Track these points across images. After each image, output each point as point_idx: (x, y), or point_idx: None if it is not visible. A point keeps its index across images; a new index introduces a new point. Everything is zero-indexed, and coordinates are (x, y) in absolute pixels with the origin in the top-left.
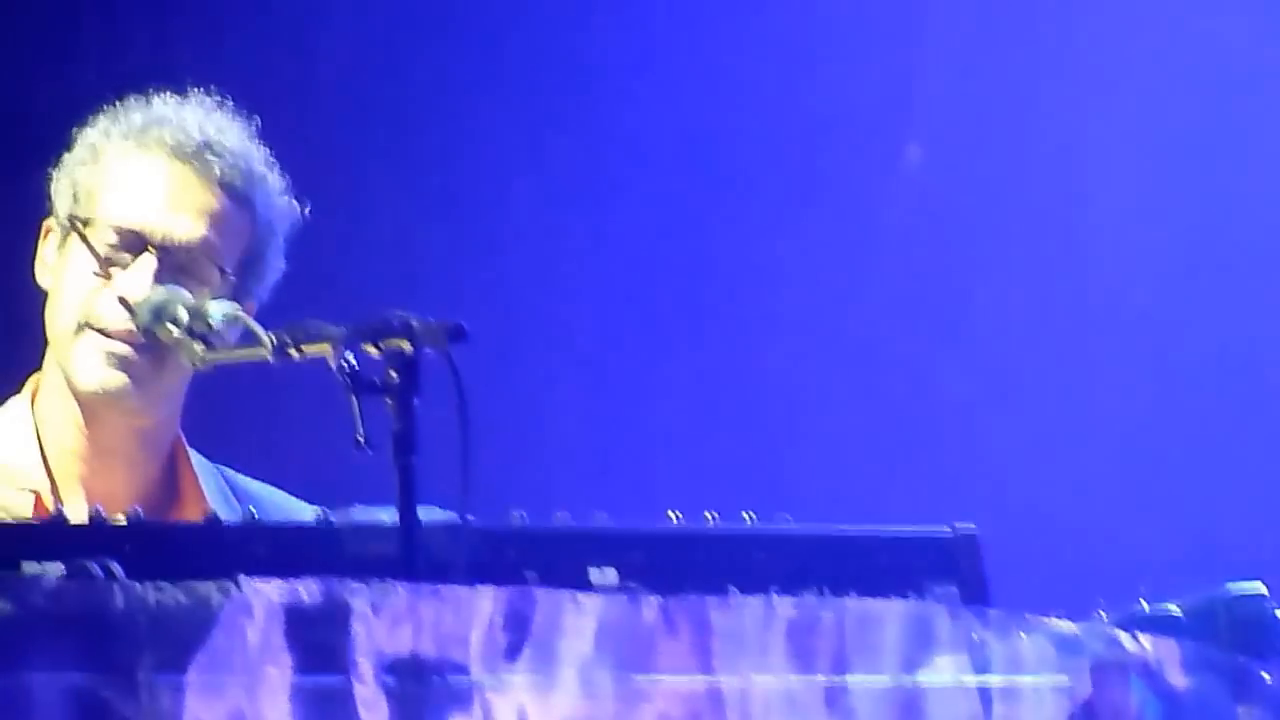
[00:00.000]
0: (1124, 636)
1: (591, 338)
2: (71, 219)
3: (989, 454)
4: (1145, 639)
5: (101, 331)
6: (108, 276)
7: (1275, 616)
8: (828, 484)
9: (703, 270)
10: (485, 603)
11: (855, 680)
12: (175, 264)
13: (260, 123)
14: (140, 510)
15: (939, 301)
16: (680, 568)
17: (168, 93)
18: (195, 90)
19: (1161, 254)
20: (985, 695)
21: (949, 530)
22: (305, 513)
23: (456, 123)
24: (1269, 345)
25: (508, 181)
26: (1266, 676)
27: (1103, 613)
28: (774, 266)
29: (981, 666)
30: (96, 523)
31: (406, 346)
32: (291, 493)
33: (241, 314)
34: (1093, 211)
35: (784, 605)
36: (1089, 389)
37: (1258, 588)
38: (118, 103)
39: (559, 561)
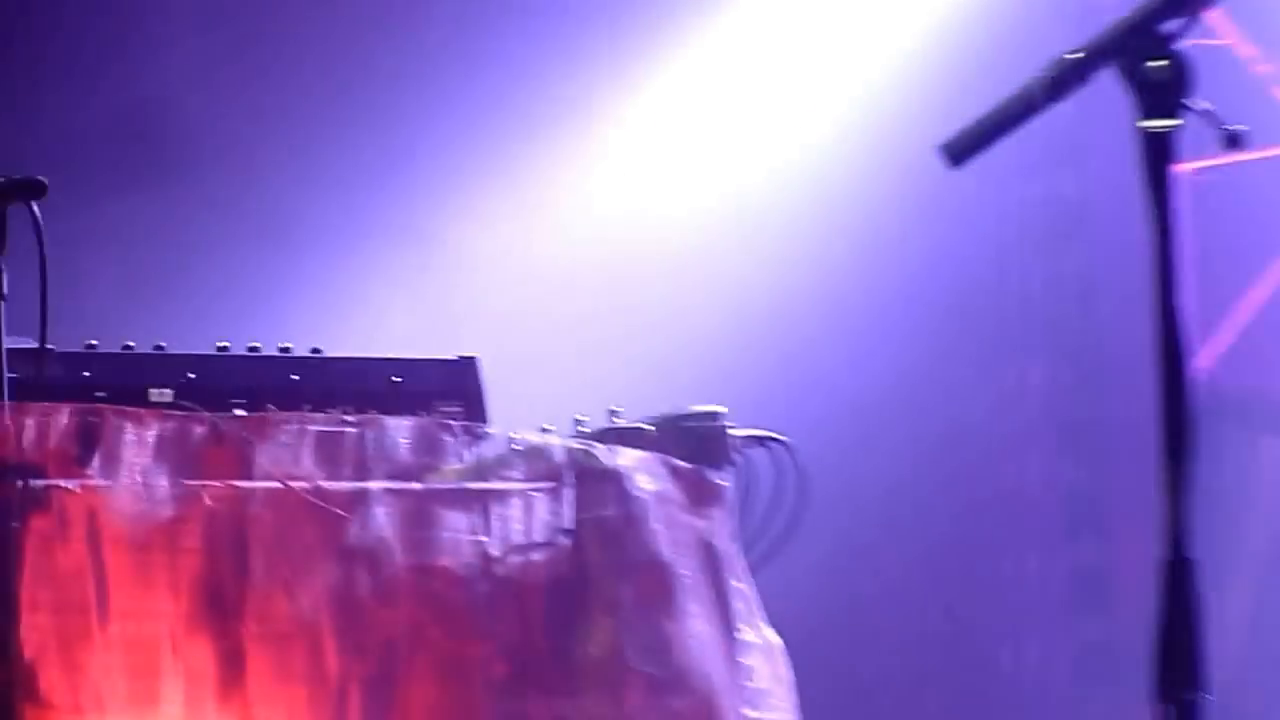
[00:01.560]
0: (601, 448)
1: None
2: None
3: (490, 289)
4: (621, 450)
5: None
6: None
7: (727, 432)
8: (354, 318)
9: None
10: (61, 417)
11: (375, 485)
12: None
13: None
14: None
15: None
16: (226, 388)
17: None
18: None
19: None
20: (484, 498)
21: (454, 357)
22: None
23: None
24: (732, 211)
25: None
26: (723, 483)
27: (583, 427)
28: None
29: (481, 474)
30: None
31: None
32: None
33: None
34: None
35: (315, 420)
36: (572, 235)
37: (716, 408)
38: None
39: (125, 382)
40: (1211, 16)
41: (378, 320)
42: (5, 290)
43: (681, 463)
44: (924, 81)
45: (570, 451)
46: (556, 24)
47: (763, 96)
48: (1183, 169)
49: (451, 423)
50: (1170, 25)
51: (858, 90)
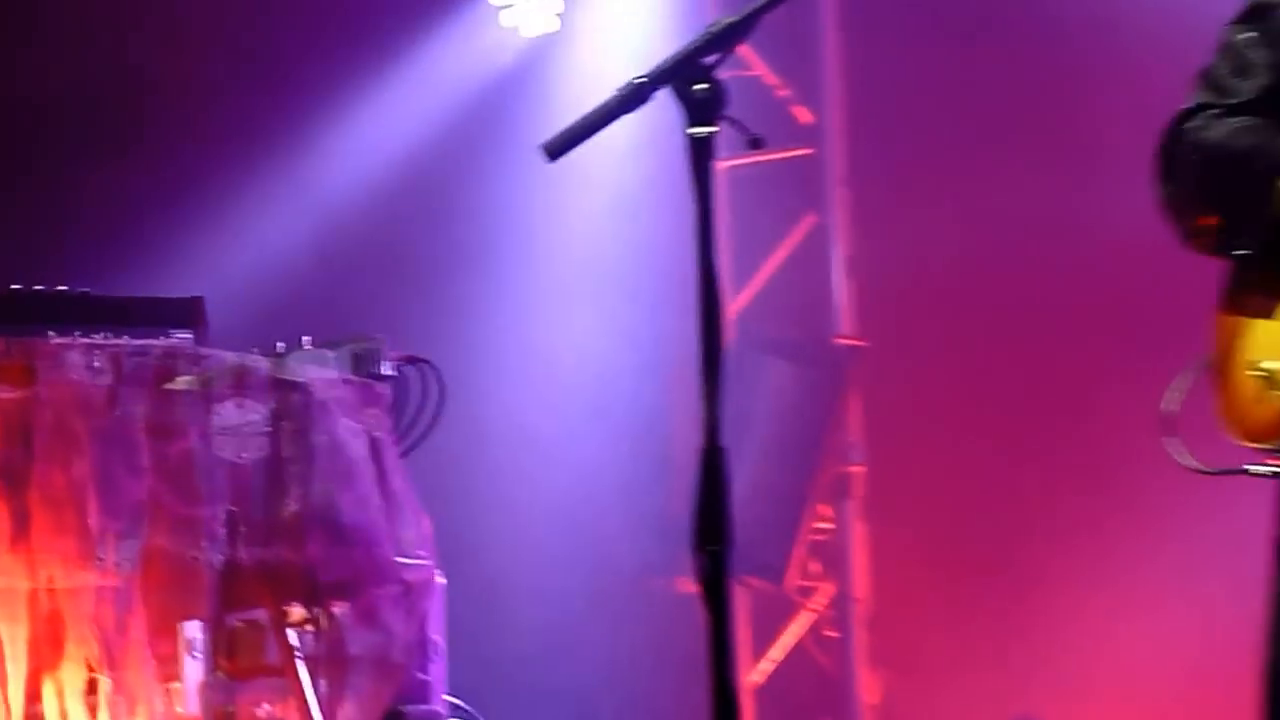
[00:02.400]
0: (293, 365)
1: None
2: None
3: (220, 236)
4: (308, 366)
5: None
6: None
7: (384, 353)
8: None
9: None
10: None
11: (127, 389)
12: None
13: None
14: None
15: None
16: (13, 317)
17: None
18: None
19: None
20: (207, 400)
21: (187, 296)
22: None
23: None
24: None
25: None
26: (382, 391)
27: (280, 351)
28: None
29: (205, 383)
30: None
31: None
32: None
33: None
34: None
35: (82, 341)
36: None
37: (376, 336)
38: None
39: None
40: (743, 51)
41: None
42: None
43: (352, 376)
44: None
45: (271, 368)
46: None
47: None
48: (721, 164)
49: (184, 345)
50: (709, 58)
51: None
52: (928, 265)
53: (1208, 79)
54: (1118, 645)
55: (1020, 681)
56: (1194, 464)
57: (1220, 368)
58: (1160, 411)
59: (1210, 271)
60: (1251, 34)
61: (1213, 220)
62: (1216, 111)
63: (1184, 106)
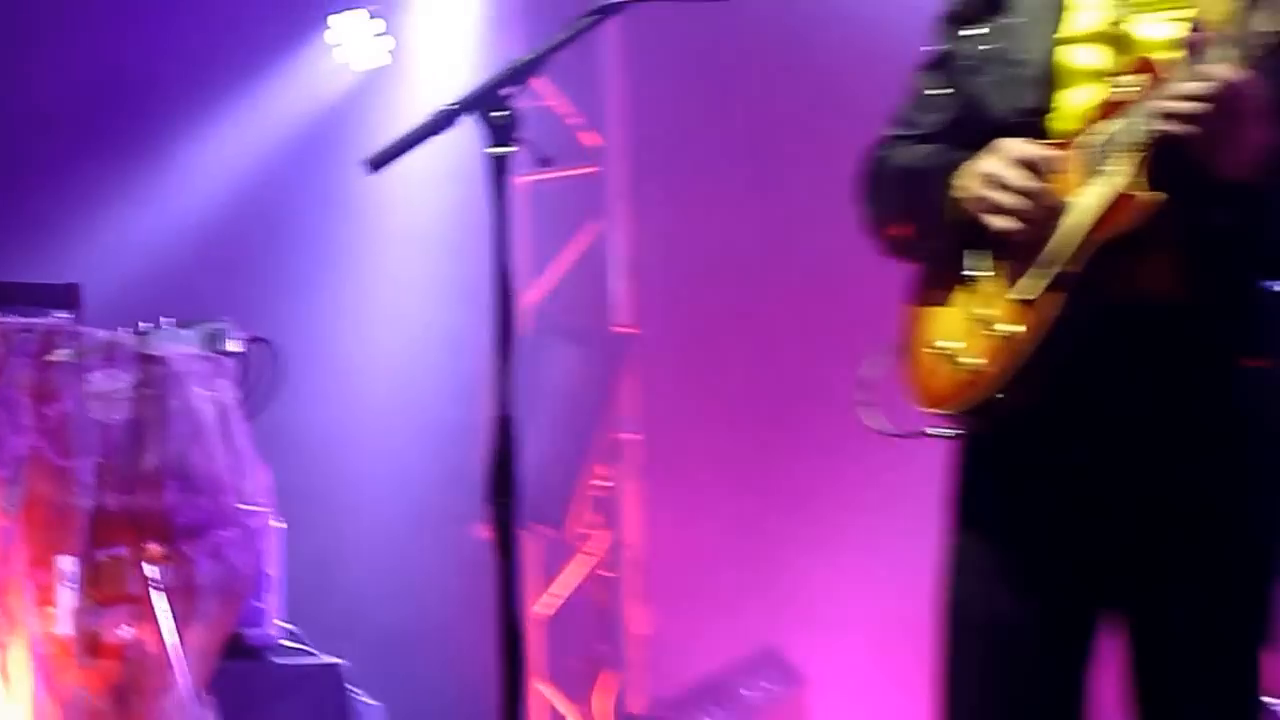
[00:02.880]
0: (154, 341)
1: None
2: None
3: (96, 233)
4: (167, 343)
5: None
6: None
7: (230, 333)
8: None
9: None
10: None
11: (15, 360)
12: None
13: None
14: None
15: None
16: None
17: None
18: None
19: None
20: (81, 369)
21: (66, 283)
22: None
23: None
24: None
25: None
26: (229, 363)
27: (144, 329)
28: None
29: (81, 355)
30: None
31: None
32: None
33: None
34: None
35: None
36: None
37: (222, 320)
38: None
39: None
40: (538, 84)
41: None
42: None
43: (203, 352)
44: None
45: (136, 344)
46: None
47: None
48: (521, 180)
49: (63, 324)
50: (507, 90)
51: None
52: (694, 264)
53: (899, 115)
54: (849, 584)
55: (769, 616)
56: (884, 427)
57: (907, 348)
58: (857, 383)
59: (901, 272)
60: (933, 78)
61: (906, 231)
62: (906, 141)
63: (880, 137)
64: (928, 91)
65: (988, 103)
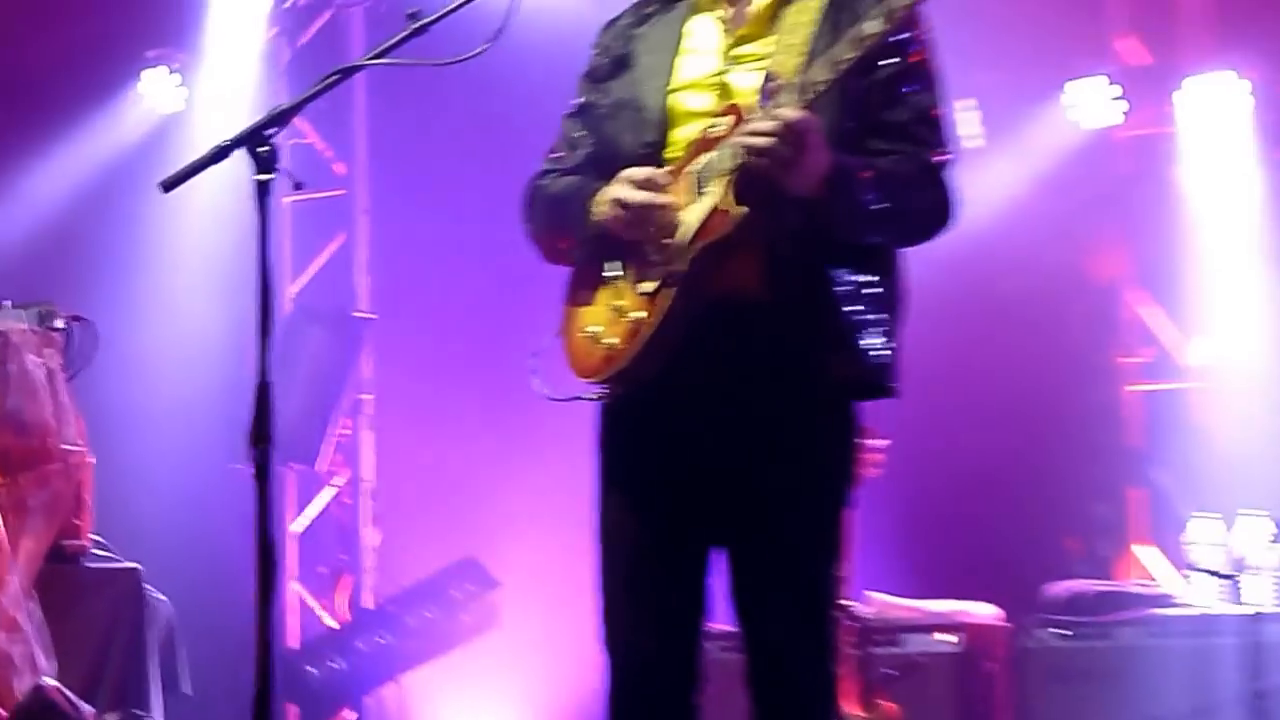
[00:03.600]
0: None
1: None
2: None
3: None
4: (9, 321)
5: None
6: None
7: (56, 313)
8: None
9: None
10: None
11: None
12: None
13: None
14: None
15: None
16: None
17: None
18: None
19: None
20: None
21: None
22: None
23: None
24: None
25: None
26: (58, 336)
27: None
28: None
29: None
30: None
31: None
32: None
33: None
34: None
35: None
36: None
37: (52, 303)
38: None
39: None
40: (298, 122)
41: None
42: None
43: (36, 327)
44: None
45: None
46: None
47: None
48: (286, 200)
49: None
50: (271, 129)
51: None
52: (419, 263)
53: (551, 153)
54: (538, 510)
55: (474, 534)
56: (549, 392)
57: (565, 332)
58: (530, 358)
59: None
60: (575, 124)
61: (561, 243)
62: (555, 174)
63: (537, 171)
64: (572, 135)
65: (618, 142)
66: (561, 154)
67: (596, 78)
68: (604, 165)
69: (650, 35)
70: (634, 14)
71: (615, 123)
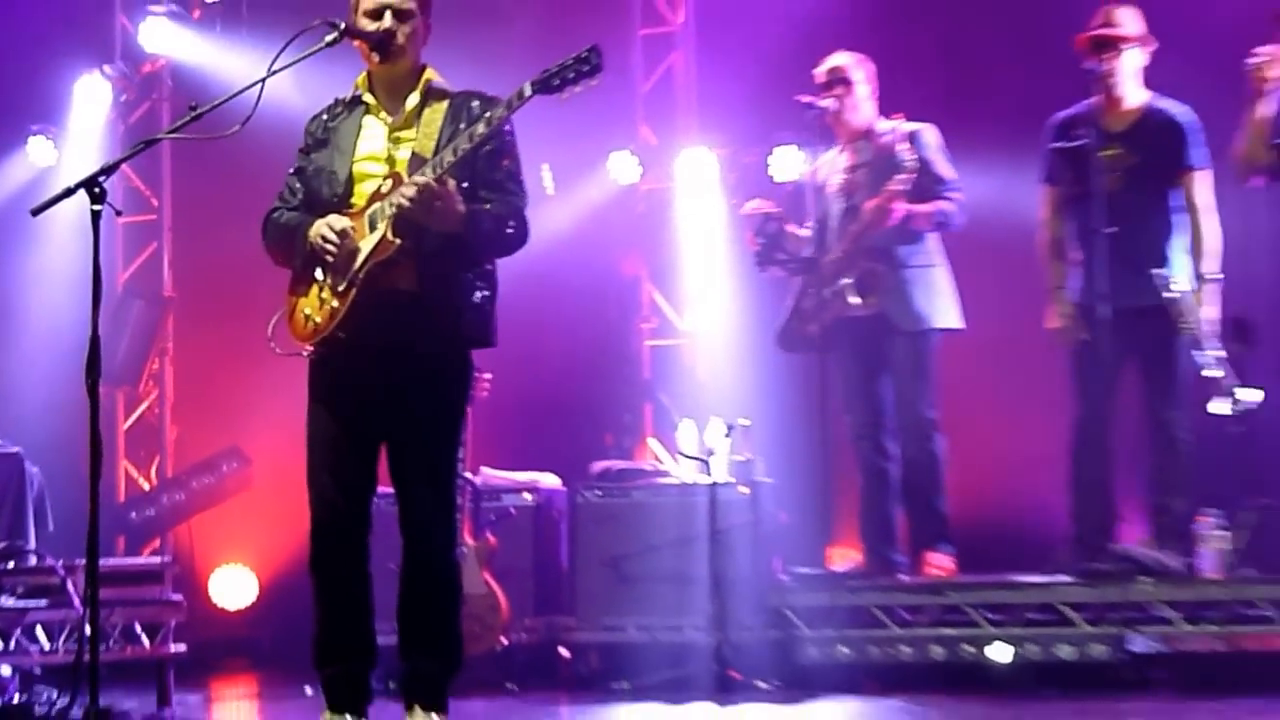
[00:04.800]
0: None
1: None
2: None
3: None
4: None
5: None
6: None
7: None
8: None
9: None
10: None
11: None
12: None
13: None
14: None
15: None
16: None
17: None
18: None
19: None
20: None
21: None
22: None
23: None
24: None
25: None
26: None
27: None
28: None
29: None
30: None
31: None
32: None
33: None
34: None
35: None
36: None
37: None
38: None
39: None
40: (126, 169)
41: None
42: None
43: None
44: None
45: None
46: None
47: None
48: (119, 221)
49: None
50: (103, 176)
51: None
52: (206, 260)
53: (280, 195)
54: (284, 414)
55: (241, 431)
56: (280, 350)
57: (288, 314)
58: (269, 330)
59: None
60: (295, 178)
61: (285, 257)
62: (283, 210)
63: (272, 206)
64: (293, 186)
65: (320, 193)
66: (287, 198)
67: (306, 151)
68: (313, 208)
69: (341, 126)
70: (329, 112)
71: (318, 180)
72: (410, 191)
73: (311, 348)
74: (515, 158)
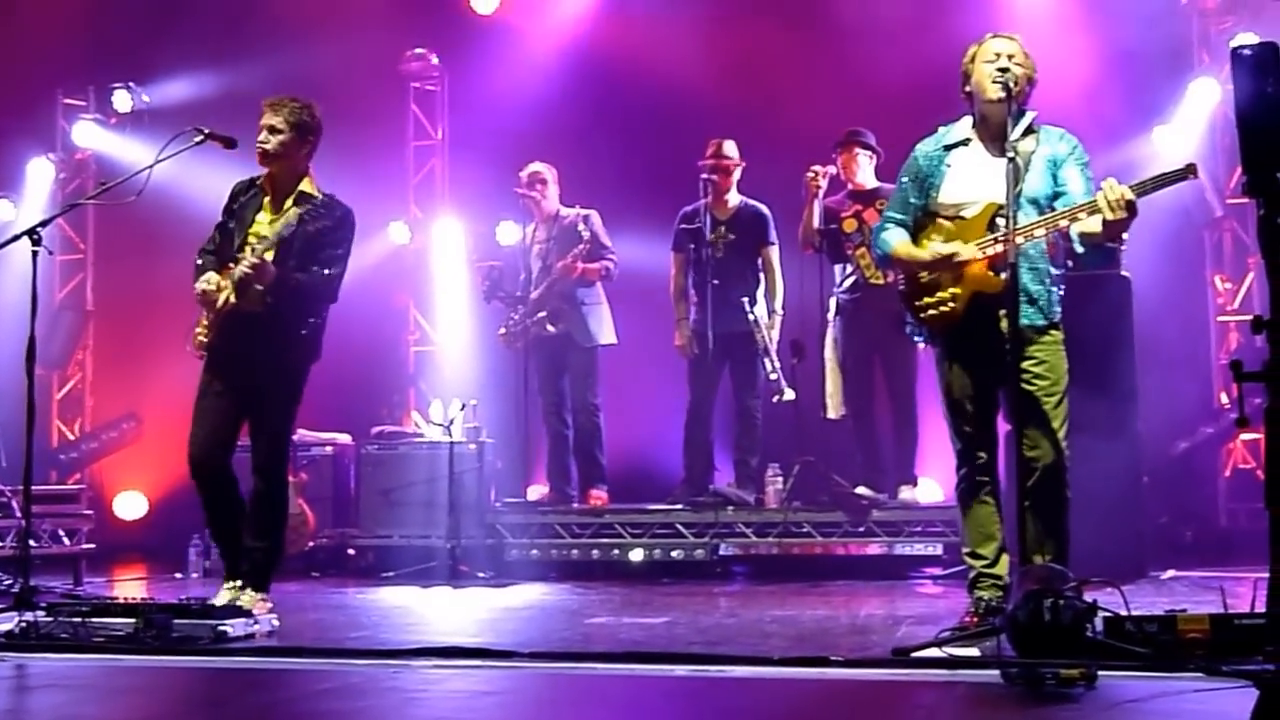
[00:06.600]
0: None
1: None
2: None
3: None
4: None
5: None
6: None
7: None
8: None
9: None
10: None
11: None
12: None
13: None
14: None
15: None
16: None
17: None
18: None
19: None
20: None
21: None
22: None
23: None
24: None
25: None
26: None
27: None
28: None
29: None
30: None
31: None
32: None
33: None
34: None
35: None
36: None
37: None
38: None
39: None
40: (60, 223)
41: None
42: None
43: None
44: None
45: None
46: None
47: None
48: (58, 258)
49: None
50: (41, 226)
51: None
52: (116, 285)
53: (203, 245)
54: (178, 381)
55: (142, 395)
56: (190, 351)
57: (195, 330)
58: (190, 341)
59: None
60: (214, 236)
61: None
62: (205, 255)
63: (200, 250)
64: (215, 237)
65: (225, 249)
66: (208, 245)
67: (223, 219)
68: (220, 256)
69: (249, 203)
70: (245, 192)
71: (225, 239)
72: (245, 264)
73: (203, 350)
74: (334, 243)
